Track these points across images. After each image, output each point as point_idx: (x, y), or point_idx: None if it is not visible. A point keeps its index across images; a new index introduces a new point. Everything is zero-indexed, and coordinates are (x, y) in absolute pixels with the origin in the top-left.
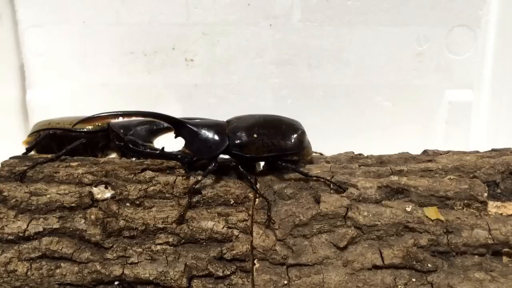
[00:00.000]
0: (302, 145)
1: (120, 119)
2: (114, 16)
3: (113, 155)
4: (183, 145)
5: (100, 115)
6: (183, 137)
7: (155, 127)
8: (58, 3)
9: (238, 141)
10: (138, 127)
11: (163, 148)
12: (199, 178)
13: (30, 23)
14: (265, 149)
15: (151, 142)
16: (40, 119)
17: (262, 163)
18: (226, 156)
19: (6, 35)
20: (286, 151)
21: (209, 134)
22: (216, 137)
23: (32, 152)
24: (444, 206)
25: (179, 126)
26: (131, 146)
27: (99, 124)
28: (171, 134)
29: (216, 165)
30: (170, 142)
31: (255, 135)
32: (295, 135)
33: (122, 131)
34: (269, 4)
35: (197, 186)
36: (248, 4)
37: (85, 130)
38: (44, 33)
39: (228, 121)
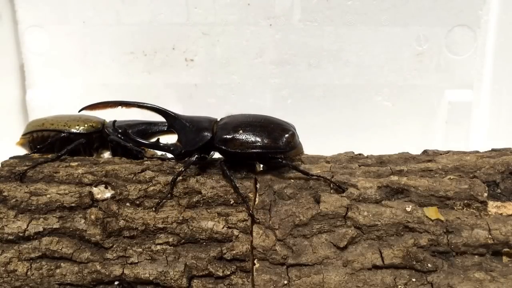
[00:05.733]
0: (289, 145)
1: (119, 108)
2: (114, 16)
3: (107, 154)
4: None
5: (101, 102)
6: (175, 129)
7: (149, 131)
8: (58, 3)
9: (224, 136)
10: (130, 130)
11: (158, 139)
12: (181, 169)
13: (30, 23)
14: (249, 145)
15: None
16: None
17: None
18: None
19: (6, 35)
20: (271, 149)
21: (195, 128)
22: (201, 131)
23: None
24: (444, 206)
25: (172, 118)
26: (128, 132)
27: (93, 126)
28: (165, 137)
29: (197, 158)
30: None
31: (240, 131)
32: (282, 135)
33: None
34: (269, 4)
35: (179, 178)
36: (248, 4)
37: (79, 132)
38: (44, 33)
39: (221, 119)
